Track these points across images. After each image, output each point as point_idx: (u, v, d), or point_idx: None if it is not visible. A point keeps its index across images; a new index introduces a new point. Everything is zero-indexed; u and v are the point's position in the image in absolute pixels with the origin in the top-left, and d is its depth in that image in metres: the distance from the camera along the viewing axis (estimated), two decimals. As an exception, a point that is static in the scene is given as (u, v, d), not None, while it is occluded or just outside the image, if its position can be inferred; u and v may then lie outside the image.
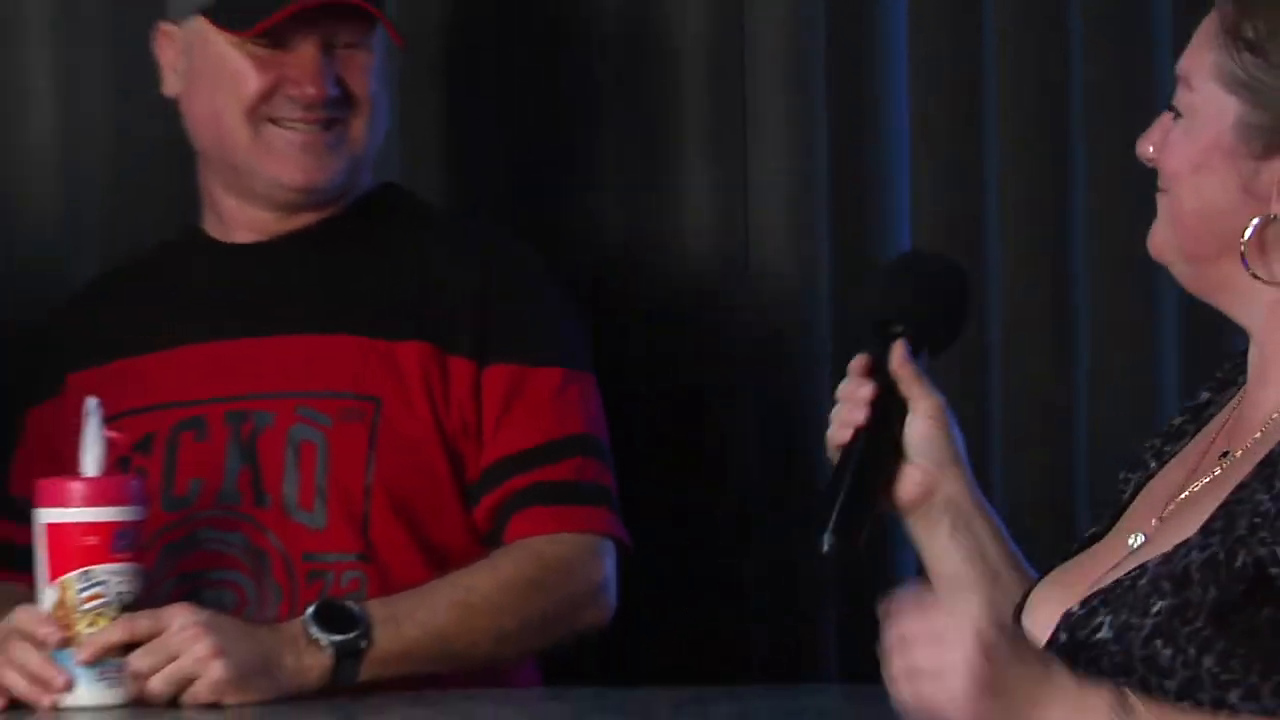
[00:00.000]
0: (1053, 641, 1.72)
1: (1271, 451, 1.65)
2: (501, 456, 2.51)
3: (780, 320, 3.32)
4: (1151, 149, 1.77)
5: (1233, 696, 1.57)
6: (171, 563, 2.44)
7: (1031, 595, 1.85)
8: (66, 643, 2.19)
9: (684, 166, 3.33)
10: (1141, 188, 2.24)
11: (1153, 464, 1.91)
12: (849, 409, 1.90)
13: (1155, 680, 1.61)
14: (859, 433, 1.86)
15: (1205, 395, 1.95)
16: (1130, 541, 1.78)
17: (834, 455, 1.90)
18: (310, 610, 2.31)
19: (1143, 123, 2.11)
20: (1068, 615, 1.71)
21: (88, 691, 2.21)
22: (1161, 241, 1.78)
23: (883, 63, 3.47)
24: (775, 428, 3.30)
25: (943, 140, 3.44)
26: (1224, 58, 1.70)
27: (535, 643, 2.48)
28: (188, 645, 2.20)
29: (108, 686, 2.21)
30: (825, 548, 1.84)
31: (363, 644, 2.31)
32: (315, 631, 2.29)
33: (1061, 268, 3.43)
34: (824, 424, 2.21)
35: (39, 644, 2.24)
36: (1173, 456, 1.89)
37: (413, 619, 2.38)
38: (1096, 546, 1.86)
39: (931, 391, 1.90)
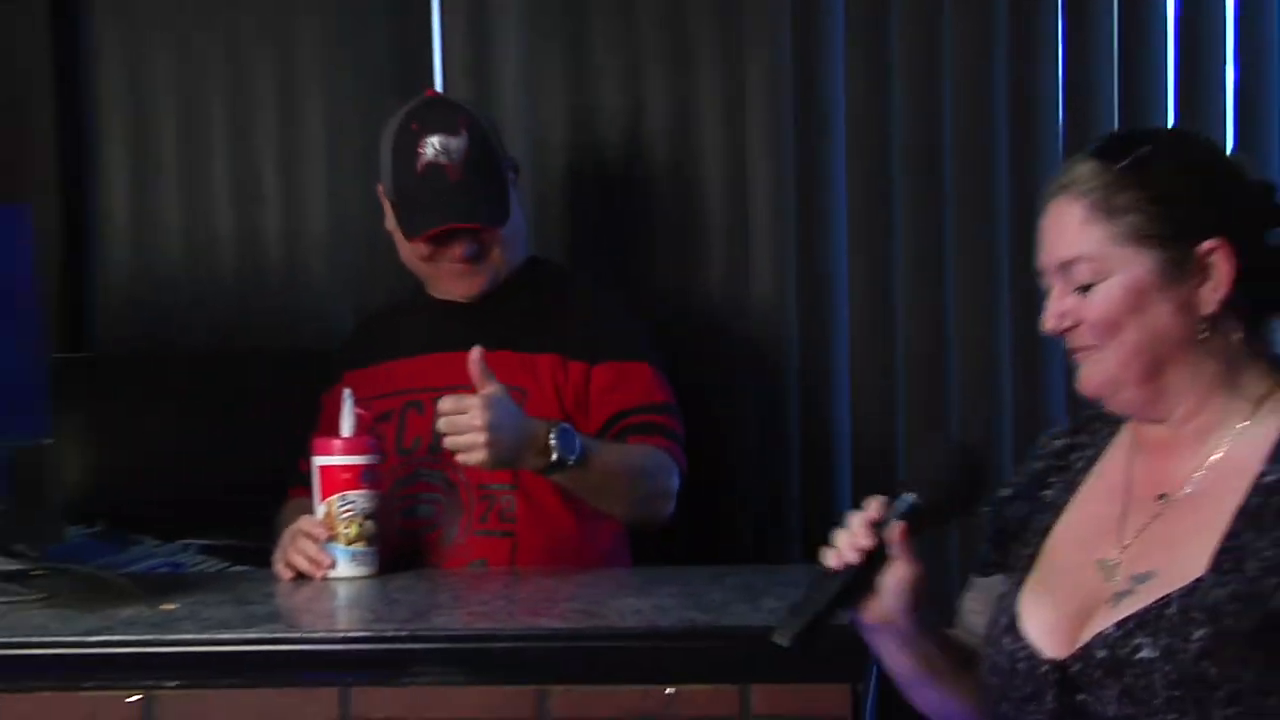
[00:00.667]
0: (1088, 656, 1.86)
1: (1246, 503, 1.84)
2: (616, 411, 3.10)
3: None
4: (1067, 321, 1.93)
5: (1272, 702, 1.76)
6: (400, 487, 3.06)
7: (1019, 608, 1.99)
8: (331, 538, 2.79)
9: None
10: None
11: (1051, 498, 2.09)
12: (848, 549, 1.94)
13: (1205, 692, 1.77)
14: (848, 568, 1.93)
15: (1061, 444, 2.14)
16: (1099, 568, 1.94)
17: (821, 570, 1.96)
18: (557, 428, 2.87)
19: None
20: (1104, 635, 1.85)
21: (345, 568, 2.80)
22: (1105, 381, 1.94)
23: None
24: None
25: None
26: (1115, 224, 1.89)
27: (639, 513, 3.09)
28: (470, 422, 2.75)
29: (357, 565, 2.80)
30: (784, 644, 1.93)
31: (570, 459, 2.86)
32: (553, 441, 2.85)
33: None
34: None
35: (315, 539, 2.82)
36: (1073, 496, 2.07)
37: (602, 459, 2.94)
38: (1048, 568, 2.03)
39: (914, 559, 1.94)
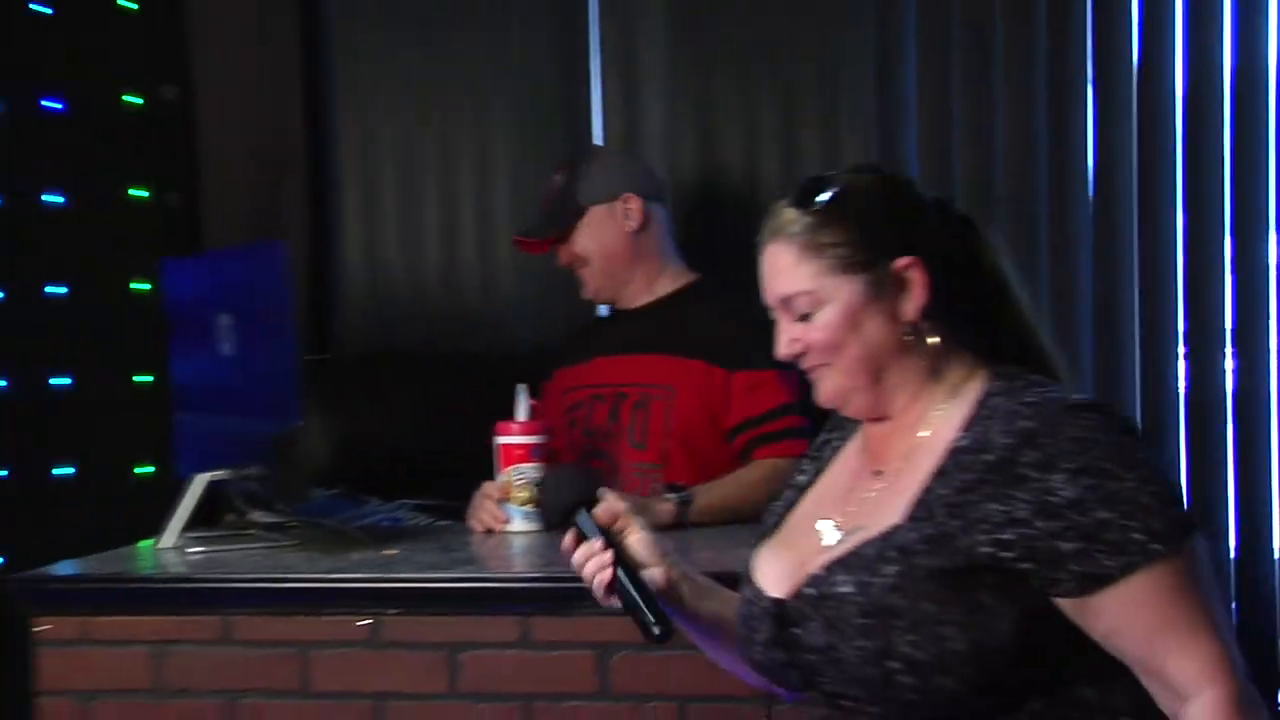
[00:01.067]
0: (799, 594, 1.80)
1: (940, 466, 1.76)
2: (745, 419, 3.06)
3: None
4: (797, 346, 1.86)
5: (946, 631, 1.67)
6: (584, 461, 3.09)
7: (756, 563, 1.94)
8: (508, 501, 2.83)
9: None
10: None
11: (804, 481, 2.03)
12: (594, 561, 1.89)
13: (891, 620, 1.70)
14: (614, 568, 1.87)
15: (824, 439, 2.06)
16: (818, 527, 1.89)
17: (610, 596, 1.88)
18: (664, 487, 2.91)
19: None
20: (814, 577, 1.80)
21: (519, 524, 2.83)
22: (837, 393, 1.87)
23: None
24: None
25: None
26: (823, 259, 1.82)
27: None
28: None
29: (529, 522, 2.82)
30: (661, 634, 1.85)
31: (689, 500, 2.88)
32: (667, 494, 2.88)
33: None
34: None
35: (495, 500, 2.89)
36: (819, 477, 2.01)
37: (711, 494, 2.92)
38: (786, 531, 1.98)
39: (632, 517, 1.93)
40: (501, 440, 2.88)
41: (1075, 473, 1.66)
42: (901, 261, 1.82)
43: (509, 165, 3.96)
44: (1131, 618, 1.66)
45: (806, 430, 2.98)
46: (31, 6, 3.89)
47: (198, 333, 2.90)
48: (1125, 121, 3.64)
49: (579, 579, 2.20)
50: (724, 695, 2.31)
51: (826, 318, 1.83)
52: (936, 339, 1.84)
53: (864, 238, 1.82)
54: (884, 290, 1.82)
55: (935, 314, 1.83)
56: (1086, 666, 1.72)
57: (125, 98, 4.08)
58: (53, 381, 4.03)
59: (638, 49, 3.88)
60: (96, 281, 4.05)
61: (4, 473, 3.96)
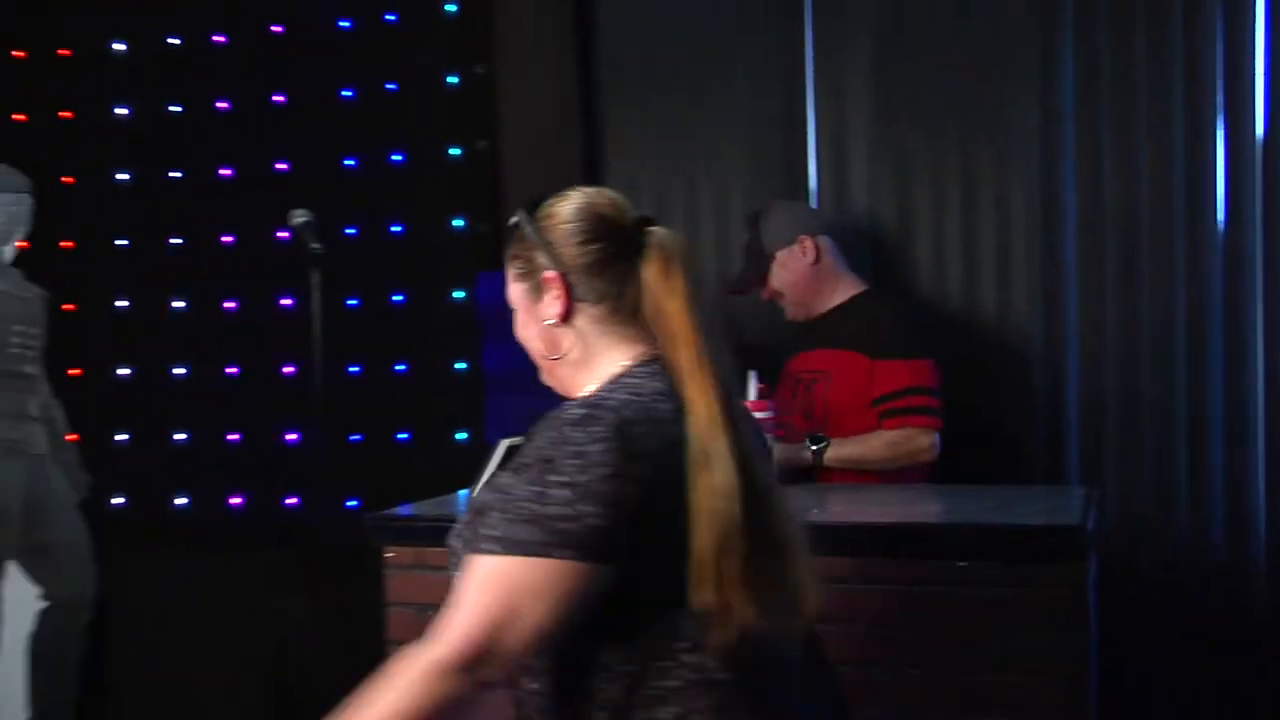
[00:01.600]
0: (449, 546, 1.70)
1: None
2: (880, 395, 3.07)
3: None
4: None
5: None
6: (781, 428, 2.99)
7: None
8: None
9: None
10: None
11: None
12: None
13: (457, 560, 1.62)
14: None
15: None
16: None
17: None
18: (808, 437, 3.04)
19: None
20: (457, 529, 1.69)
21: None
22: (545, 377, 1.79)
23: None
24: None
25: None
26: (510, 269, 1.76)
27: (894, 468, 3.05)
28: None
29: None
30: None
31: (823, 450, 3.01)
32: (809, 443, 3.03)
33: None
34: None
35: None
36: None
37: (841, 448, 3.02)
38: None
39: None
40: (734, 417, 2.83)
41: (517, 467, 1.55)
42: (546, 275, 1.70)
43: (740, 202, 3.90)
44: (464, 579, 1.54)
45: (931, 409, 3.07)
46: (387, 86, 4.06)
47: (502, 331, 2.89)
48: (1250, 157, 3.47)
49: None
50: (914, 622, 2.26)
51: (519, 322, 1.77)
52: (572, 341, 1.70)
53: (525, 252, 1.73)
54: (539, 296, 1.72)
55: (576, 320, 1.70)
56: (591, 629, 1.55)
57: (449, 150, 4.20)
58: (395, 368, 4.16)
59: (845, 114, 3.81)
60: (427, 292, 4.18)
61: (360, 437, 4.11)
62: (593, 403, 1.57)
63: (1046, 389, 3.57)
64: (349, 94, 4.34)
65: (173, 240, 4.53)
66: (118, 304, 4.57)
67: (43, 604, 3.86)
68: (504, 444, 2.75)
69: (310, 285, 3.28)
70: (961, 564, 2.22)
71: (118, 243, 4.55)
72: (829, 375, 3.13)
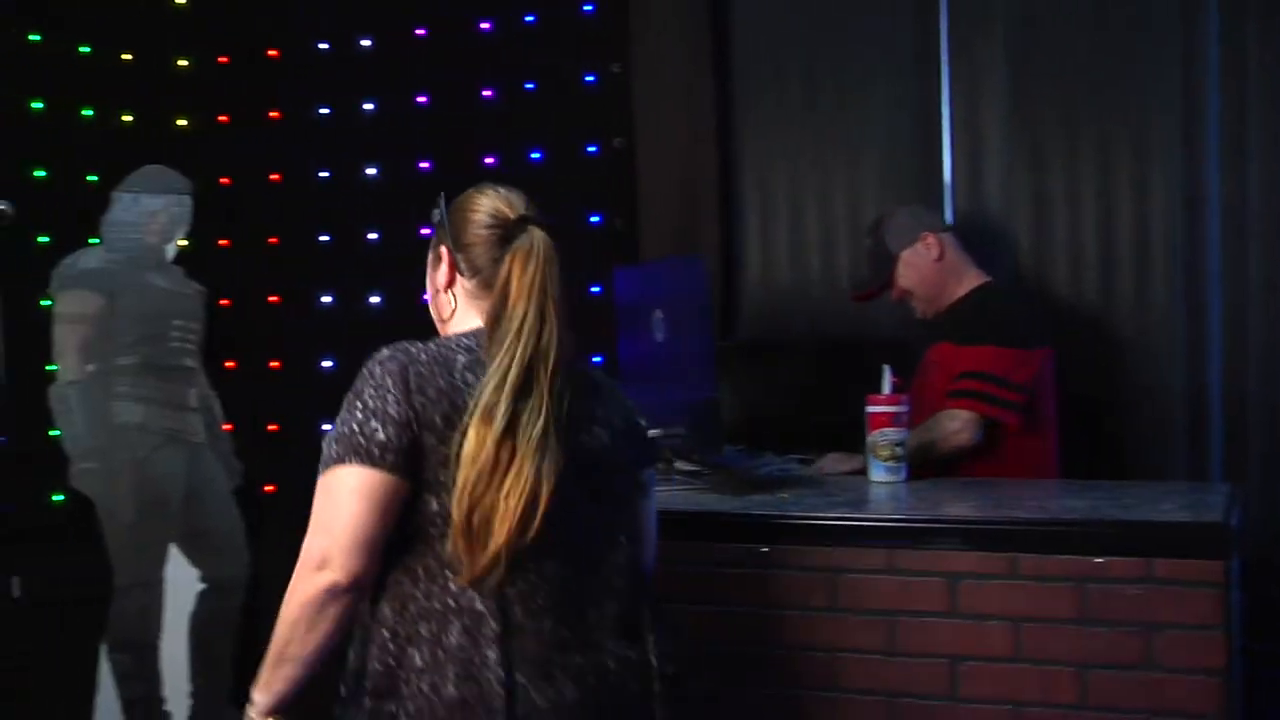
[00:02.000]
0: None
1: None
2: (954, 373, 2.99)
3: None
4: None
5: None
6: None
7: None
8: (874, 457, 2.73)
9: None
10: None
11: None
12: None
13: None
14: None
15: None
16: None
17: None
18: None
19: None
20: None
21: (881, 475, 2.73)
22: None
23: None
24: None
25: None
26: (430, 244, 1.96)
27: (931, 453, 2.91)
28: None
29: (889, 474, 2.72)
30: None
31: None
32: None
33: None
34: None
35: (845, 461, 2.94)
36: None
37: (918, 437, 2.86)
38: None
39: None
40: (870, 409, 2.77)
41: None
42: (441, 249, 1.93)
43: (874, 195, 3.89)
44: None
45: (977, 394, 2.96)
46: (525, 86, 4.09)
47: (637, 324, 2.92)
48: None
49: (934, 519, 2.33)
50: (1055, 618, 2.21)
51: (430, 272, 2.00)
52: (450, 306, 1.93)
53: (434, 232, 1.96)
54: (436, 266, 1.96)
55: (455, 289, 1.93)
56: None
57: (587, 148, 4.24)
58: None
59: (980, 108, 3.76)
60: (564, 286, 4.18)
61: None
62: (400, 349, 1.80)
63: (1187, 387, 3.50)
64: (489, 94, 4.41)
65: (320, 238, 4.64)
66: (270, 299, 4.70)
67: (201, 586, 4.01)
68: (640, 435, 2.81)
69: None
70: (1099, 560, 2.18)
71: (270, 240, 4.68)
72: (935, 366, 3.10)
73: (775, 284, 4.04)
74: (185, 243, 4.08)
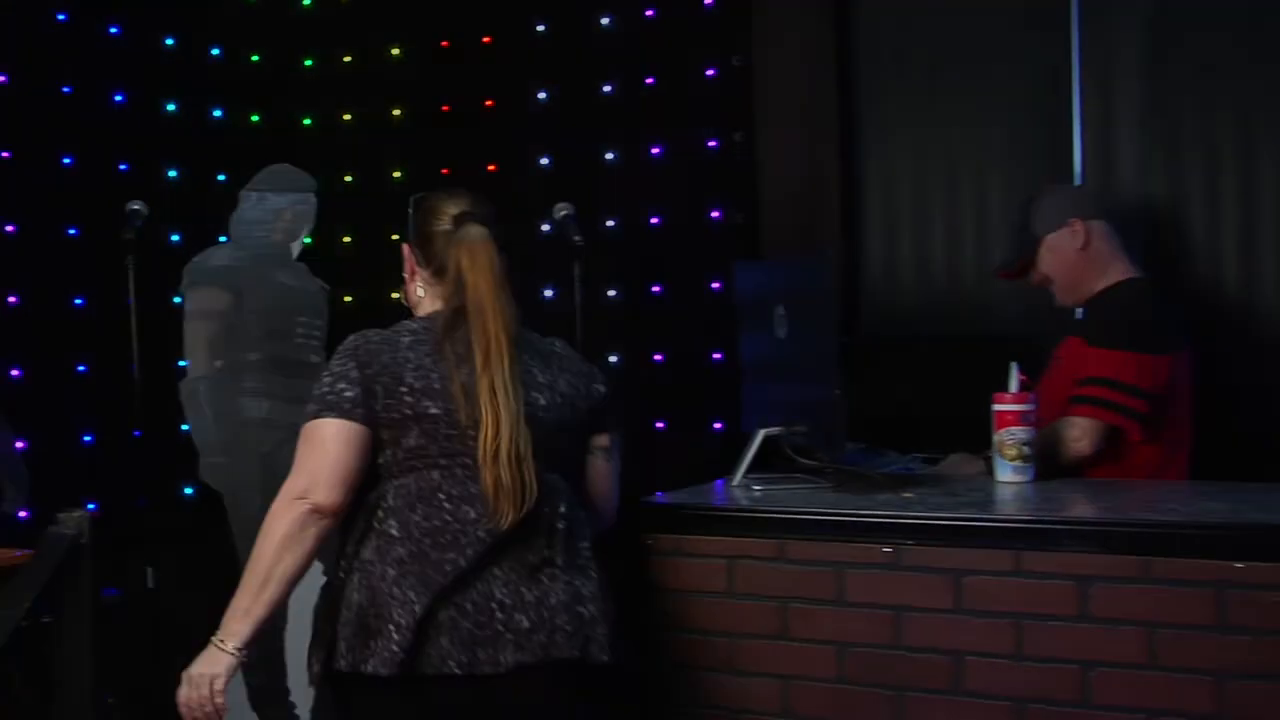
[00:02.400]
0: None
1: None
2: (1080, 377, 2.90)
3: None
4: None
5: None
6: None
7: None
8: (1001, 456, 2.68)
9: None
10: None
11: None
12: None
13: None
14: None
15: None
16: None
17: None
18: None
19: None
20: None
21: (1008, 475, 2.67)
22: None
23: None
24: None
25: None
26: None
27: (1052, 460, 2.82)
28: None
29: (1016, 474, 2.67)
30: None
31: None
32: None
33: None
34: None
35: (972, 464, 2.92)
36: None
37: (1039, 442, 2.73)
38: None
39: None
40: (997, 407, 2.73)
41: None
42: (405, 245, 2.35)
43: (1001, 186, 3.85)
44: None
45: (1102, 401, 2.88)
46: (646, 81, 4.16)
47: (759, 321, 2.92)
48: None
49: (1064, 520, 2.26)
50: (1191, 624, 2.16)
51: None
52: (415, 294, 2.34)
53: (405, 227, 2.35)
54: (405, 262, 2.36)
55: (416, 280, 2.34)
56: None
57: (707, 142, 4.27)
58: (653, 358, 4.21)
59: (1113, 98, 3.71)
60: (685, 282, 4.22)
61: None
62: (359, 334, 2.22)
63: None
64: (609, 89, 4.43)
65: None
66: (392, 295, 4.79)
67: (324, 579, 4.10)
68: (761, 433, 2.82)
69: (572, 277, 3.37)
70: (1239, 565, 2.12)
71: (392, 237, 4.75)
72: (1063, 362, 3.02)
73: (899, 279, 4.03)
74: (309, 240, 4.19)
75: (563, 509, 2.16)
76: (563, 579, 2.12)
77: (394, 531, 2.08)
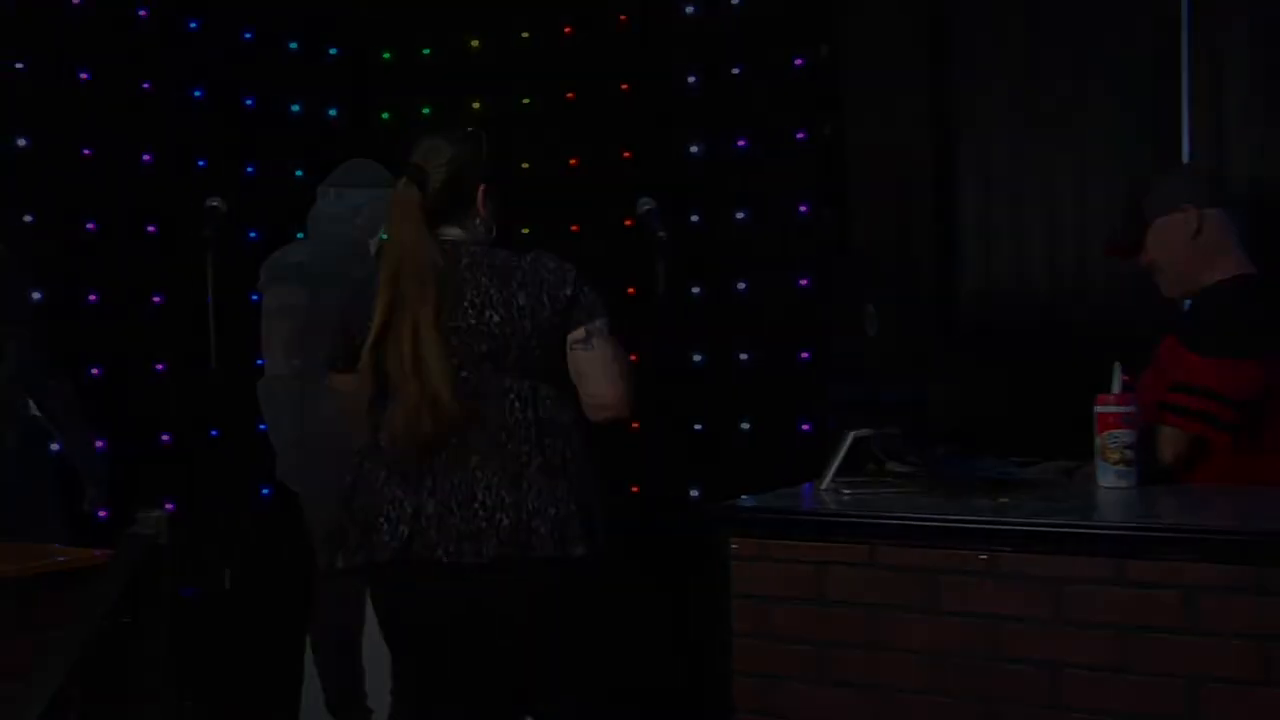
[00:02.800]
0: None
1: None
2: (1169, 384, 2.80)
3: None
4: None
5: None
6: None
7: None
8: (1104, 460, 2.60)
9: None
10: None
11: None
12: None
13: None
14: None
15: None
16: None
17: None
18: None
19: None
20: None
21: (1110, 480, 2.61)
22: None
23: None
24: None
25: None
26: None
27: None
28: None
29: (1119, 479, 2.60)
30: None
31: None
32: None
33: None
34: None
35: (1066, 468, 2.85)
36: None
37: None
38: None
39: None
40: (1099, 409, 2.66)
41: None
42: (480, 188, 2.69)
43: (1104, 173, 3.81)
44: None
45: (1187, 410, 2.78)
46: (731, 71, 4.15)
47: (848, 318, 2.90)
48: None
49: (1170, 528, 2.23)
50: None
51: None
52: (493, 228, 2.70)
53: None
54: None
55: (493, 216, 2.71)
56: None
57: (794, 134, 4.25)
58: (740, 356, 4.20)
59: (1224, 79, 3.64)
60: (771, 278, 4.20)
61: (700, 426, 4.16)
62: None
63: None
64: (693, 80, 4.43)
65: (522, 230, 4.75)
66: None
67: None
68: (850, 435, 2.79)
69: (655, 273, 3.37)
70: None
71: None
72: (1160, 361, 2.92)
73: (995, 276, 3.99)
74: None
75: (537, 413, 2.48)
76: (541, 480, 2.47)
77: None
